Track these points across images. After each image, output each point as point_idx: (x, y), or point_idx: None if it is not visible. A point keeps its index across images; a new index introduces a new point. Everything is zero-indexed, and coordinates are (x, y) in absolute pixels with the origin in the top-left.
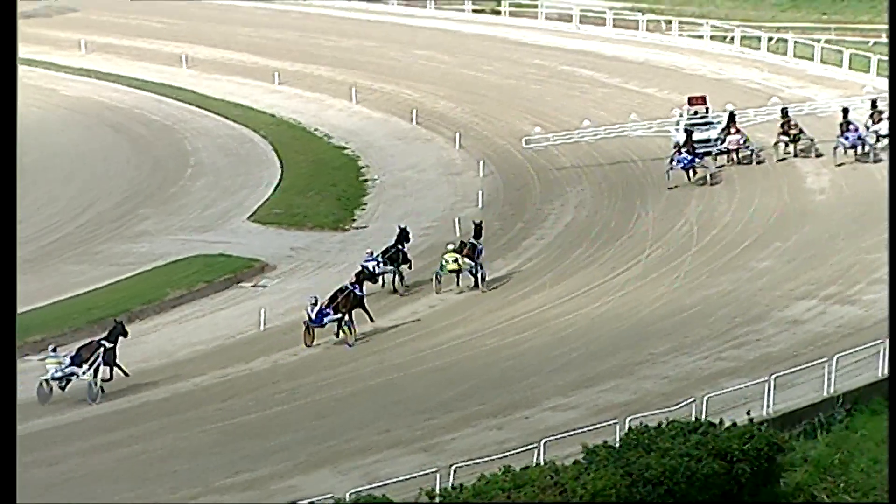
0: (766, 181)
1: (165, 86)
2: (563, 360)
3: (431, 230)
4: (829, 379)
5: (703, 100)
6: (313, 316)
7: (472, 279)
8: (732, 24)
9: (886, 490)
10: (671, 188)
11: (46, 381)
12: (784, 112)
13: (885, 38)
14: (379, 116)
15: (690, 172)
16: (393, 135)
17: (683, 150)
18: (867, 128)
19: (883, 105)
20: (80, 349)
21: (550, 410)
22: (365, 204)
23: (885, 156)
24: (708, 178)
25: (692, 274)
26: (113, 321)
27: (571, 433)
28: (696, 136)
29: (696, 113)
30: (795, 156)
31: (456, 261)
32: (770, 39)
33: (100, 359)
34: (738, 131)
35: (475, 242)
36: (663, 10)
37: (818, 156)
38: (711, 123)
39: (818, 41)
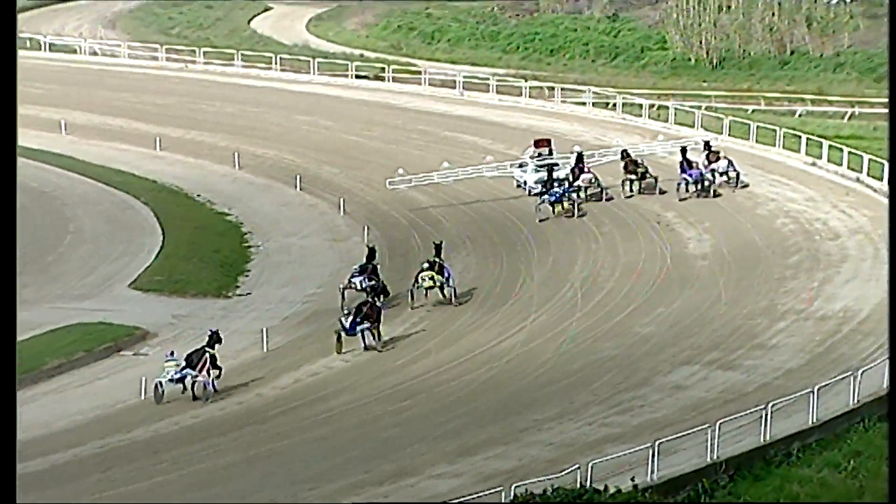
0: (649, 246)
1: (44, 152)
2: (449, 426)
3: (316, 296)
4: (712, 444)
5: (547, 142)
6: (347, 325)
7: (444, 295)
8: (614, 90)
9: None
10: (541, 220)
11: (161, 382)
12: (625, 153)
13: (762, 106)
14: (262, 182)
15: (556, 206)
16: (276, 200)
17: (555, 185)
18: (705, 167)
19: (715, 145)
20: (189, 355)
21: (436, 478)
22: (248, 270)
23: (727, 191)
24: (575, 210)
25: (577, 339)
26: (209, 330)
27: (457, 500)
28: (543, 175)
29: (540, 154)
30: (640, 192)
31: (432, 278)
32: (651, 106)
33: (208, 363)
34: (588, 170)
35: (442, 261)
36: (546, 76)
37: (661, 192)
38: (558, 164)
39: (699, 108)
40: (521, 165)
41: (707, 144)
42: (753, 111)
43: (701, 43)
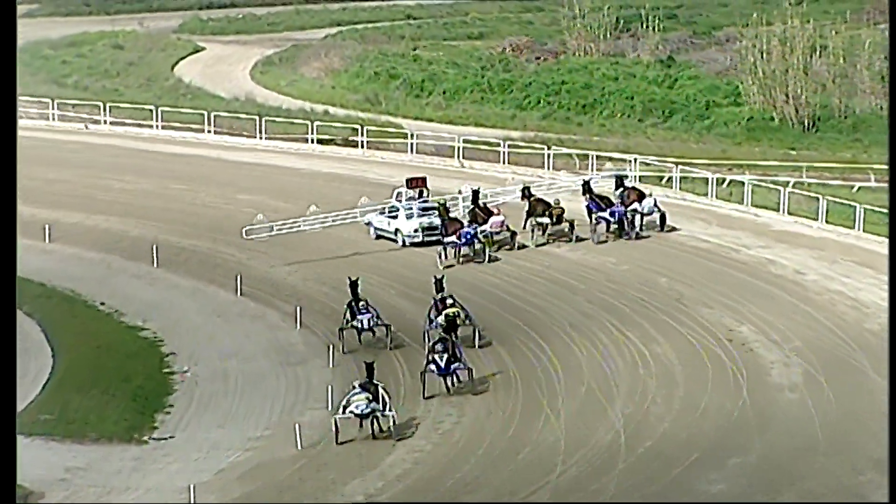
0: (717, 371)
1: None
2: None
3: (262, 441)
4: None
5: (422, 182)
6: (443, 364)
7: (472, 330)
8: (669, 160)
9: None
10: (447, 267)
11: (353, 415)
12: (527, 191)
13: (872, 182)
14: (189, 284)
15: (458, 250)
16: (209, 309)
17: (468, 224)
18: (624, 207)
19: (629, 182)
20: (363, 386)
21: None
22: (170, 406)
23: (655, 232)
24: (486, 255)
25: (618, 498)
26: (364, 362)
27: None
28: (424, 221)
29: (420, 195)
30: (546, 244)
31: (458, 315)
32: (721, 182)
33: (385, 397)
34: (498, 212)
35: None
36: (577, 141)
37: (578, 240)
38: (434, 208)
39: (784, 184)
40: (388, 211)
41: (620, 180)
42: (859, 189)
43: (788, 97)
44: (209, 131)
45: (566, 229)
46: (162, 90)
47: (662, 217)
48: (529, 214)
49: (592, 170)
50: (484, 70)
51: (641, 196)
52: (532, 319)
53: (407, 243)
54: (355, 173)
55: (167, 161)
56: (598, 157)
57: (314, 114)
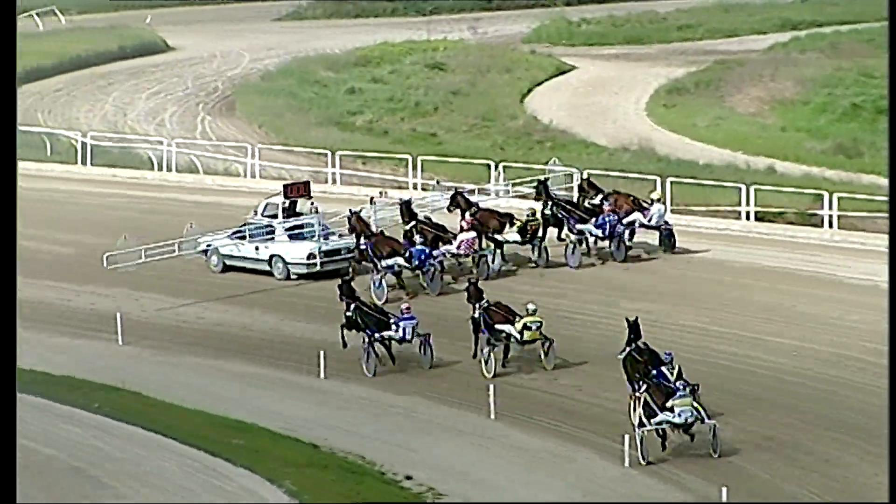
0: None
1: None
2: None
3: None
4: None
5: (304, 188)
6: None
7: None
8: None
9: None
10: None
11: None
12: (460, 196)
13: None
14: None
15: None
16: None
17: (418, 241)
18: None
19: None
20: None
21: None
22: None
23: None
24: (435, 281)
25: None
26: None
27: None
28: (322, 245)
29: (292, 206)
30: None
31: (539, 326)
32: None
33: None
34: (471, 227)
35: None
36: None
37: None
38: (311, 225)
39: None
40: (253, 233)
41: (591, 183)
42: None
43: None
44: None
45: (536, 249)
46: (505, 135)
47: (670, 233)
48: (480, 234)
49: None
50: None
51: (637, 204)
52: None
53: (292, 275)
54: (818, 270)
55: None
56: None
57: (750, 172)
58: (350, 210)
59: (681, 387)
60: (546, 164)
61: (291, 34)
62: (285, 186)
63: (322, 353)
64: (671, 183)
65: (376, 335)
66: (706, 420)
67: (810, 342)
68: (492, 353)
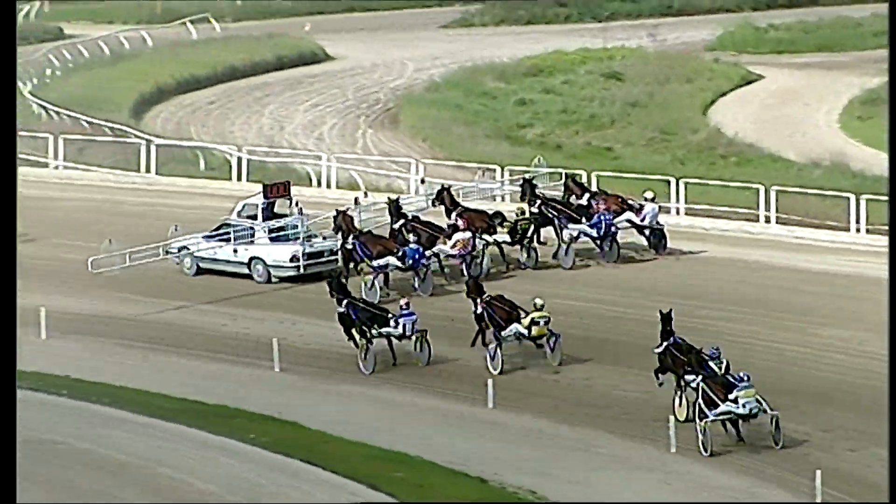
0: None
1: None
2: None
3: None
4: None
5: (285, 188)
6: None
7: (550, 350)
8: None
9: None
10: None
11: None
12: (447, 196)
13: None
14: None
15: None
16: None
17: (411, 241)
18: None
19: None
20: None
21: None
22: None
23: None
24: (424, 283)
25: None
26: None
27: None
28: (308, 245)
29: (270, 206)
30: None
31: (547, 321)
32: None
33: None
34: (467, 226)
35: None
36: None
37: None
38: (296, 227)
39: None
40: (236, 234)
41: (577, 182)
42: None
43: None
44: (768, 219)
45: (525, 250)
46: (686, 149)
47: (662, 233)
48: (474, 233)
49: None
50: None
51: (625, 204)
52: None
53: (273, 278)
54: None
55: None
56: None
57: None
58: (336, 209)
59: (744, 377)
60: (530, 163)
61: (458, 42)
62: (265, 186)
63: (490, 381)
64: (866, 201)
65: (373, 331)
66: (769, 411)
67: None
68: (498, 350)
